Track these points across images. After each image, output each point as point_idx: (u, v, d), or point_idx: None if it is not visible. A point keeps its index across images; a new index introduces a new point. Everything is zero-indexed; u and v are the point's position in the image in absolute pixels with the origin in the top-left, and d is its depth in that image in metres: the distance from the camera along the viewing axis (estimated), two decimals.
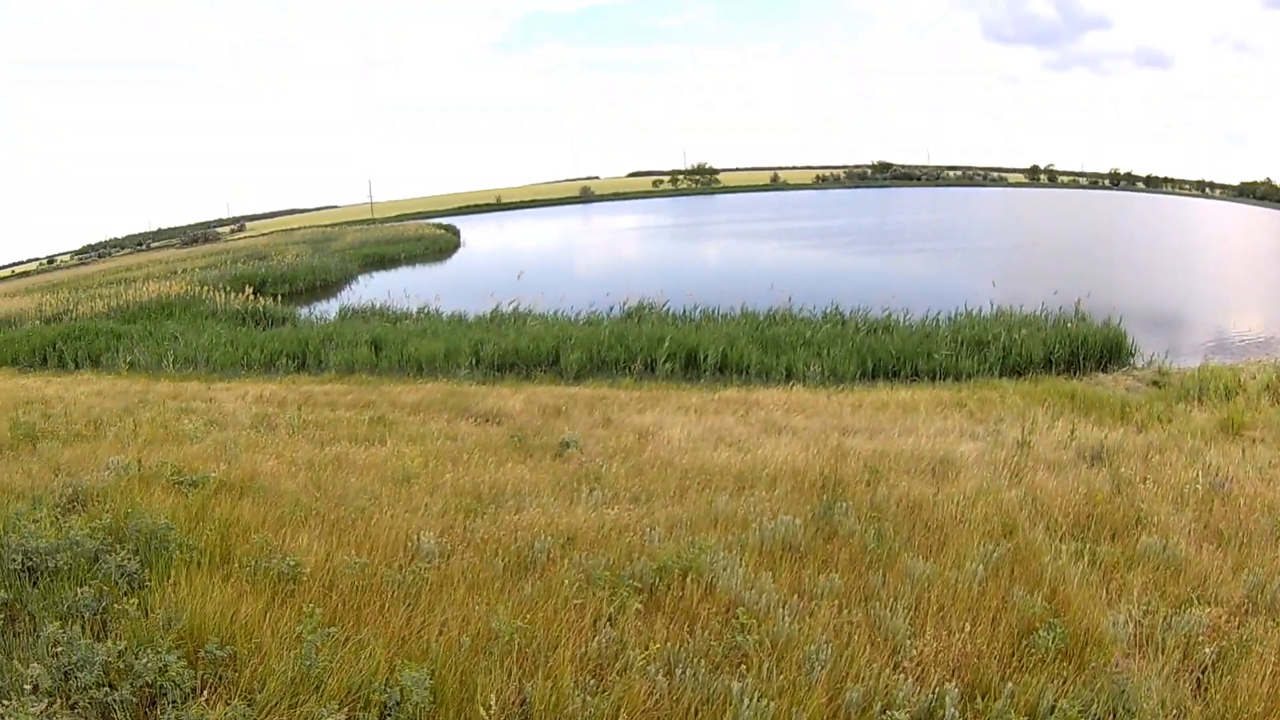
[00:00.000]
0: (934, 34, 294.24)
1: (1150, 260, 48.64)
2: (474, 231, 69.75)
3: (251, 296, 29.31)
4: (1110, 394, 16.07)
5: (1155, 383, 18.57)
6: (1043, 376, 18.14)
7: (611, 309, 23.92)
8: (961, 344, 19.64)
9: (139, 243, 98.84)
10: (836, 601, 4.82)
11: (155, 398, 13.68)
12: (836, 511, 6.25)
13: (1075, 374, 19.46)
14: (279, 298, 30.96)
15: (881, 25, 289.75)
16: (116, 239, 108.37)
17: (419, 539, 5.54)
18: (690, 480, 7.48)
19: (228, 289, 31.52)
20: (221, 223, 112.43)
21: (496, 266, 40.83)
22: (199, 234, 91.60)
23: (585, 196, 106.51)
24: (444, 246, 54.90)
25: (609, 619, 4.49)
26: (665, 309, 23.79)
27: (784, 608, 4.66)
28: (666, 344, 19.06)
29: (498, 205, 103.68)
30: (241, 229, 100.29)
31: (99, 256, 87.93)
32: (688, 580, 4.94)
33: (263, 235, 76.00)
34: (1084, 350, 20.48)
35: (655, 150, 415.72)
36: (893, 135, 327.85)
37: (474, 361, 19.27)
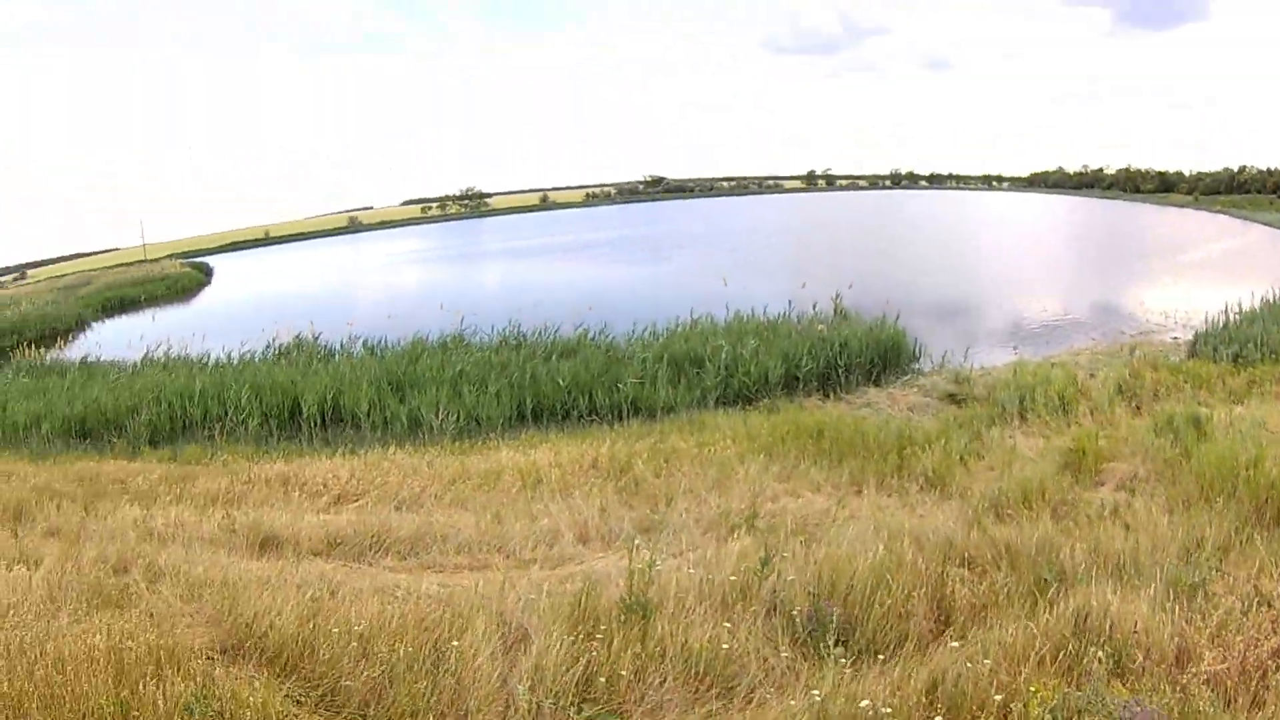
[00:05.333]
0: (714, 49, 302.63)
1: (936, 252, 44.07)
2: (236, 265, 72.19)
3: None
4: (883, 422, 11.60)
5: (952, 395, 14.29)
6: (784, 402, 13.79)
7: (268, 348, 20.20)
8: (664, 364, 15.03)
9: None
10: None
11: None
12: None
13: (834, 393, 15.04)
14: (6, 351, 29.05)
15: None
16: None
17: None
18: None
19: None
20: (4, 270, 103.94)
21: (236, 303, 43.09)
22: None
23: (353, 227, 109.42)
24: (187, 285, 54.55)
25: None
26: (318, 343, 20.33)
27: None
28: (245, 396, 15.03)
29: (266, 240, 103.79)
30: (23, 276, 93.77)
31: None
32: None
33: (27, 285, 73.88)
34: (846, 359, 15.75)
35: (433, 177, 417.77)
36: (665, 150, 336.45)
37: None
